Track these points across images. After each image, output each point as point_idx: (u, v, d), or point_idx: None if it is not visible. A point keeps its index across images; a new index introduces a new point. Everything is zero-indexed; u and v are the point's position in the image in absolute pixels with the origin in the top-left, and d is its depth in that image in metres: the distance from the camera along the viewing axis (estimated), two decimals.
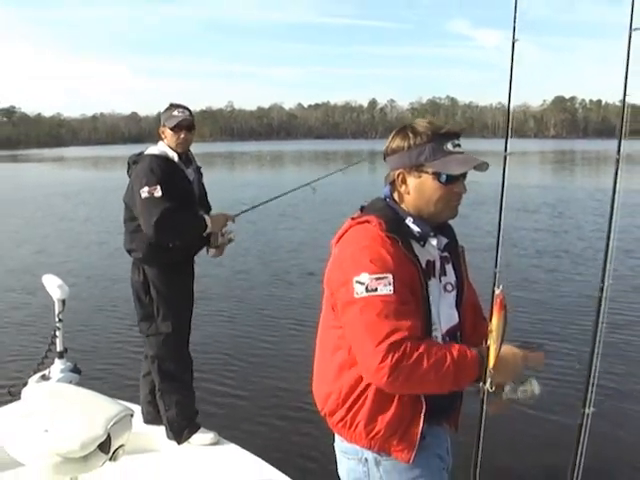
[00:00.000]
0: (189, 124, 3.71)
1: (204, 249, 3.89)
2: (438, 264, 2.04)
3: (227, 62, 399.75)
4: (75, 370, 3.29)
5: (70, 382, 3.16)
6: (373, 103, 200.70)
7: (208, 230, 3.70)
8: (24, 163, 71.42)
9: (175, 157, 3.67)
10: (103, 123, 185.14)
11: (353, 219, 2.04)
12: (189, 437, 3.73)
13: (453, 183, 1.96)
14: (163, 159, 3.63)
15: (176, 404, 3.70)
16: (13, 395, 3.07)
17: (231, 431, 4.17)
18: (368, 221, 1.96)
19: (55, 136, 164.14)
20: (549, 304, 8.62)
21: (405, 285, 1.84)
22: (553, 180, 33.18)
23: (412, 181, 1.99)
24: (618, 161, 1.94)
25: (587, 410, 1.86)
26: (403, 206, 2.03)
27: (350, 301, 1.84)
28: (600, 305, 1.93)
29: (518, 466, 4.38)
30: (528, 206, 18.49)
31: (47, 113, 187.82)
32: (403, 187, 2.00)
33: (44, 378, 3.21)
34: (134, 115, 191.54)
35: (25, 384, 3.13)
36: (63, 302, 3.34)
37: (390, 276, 1.81)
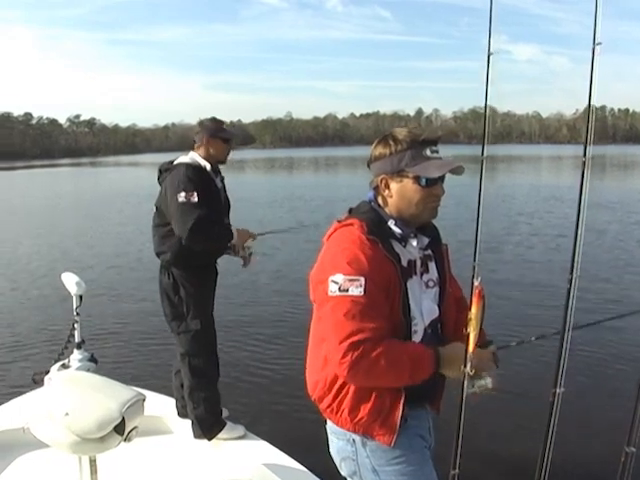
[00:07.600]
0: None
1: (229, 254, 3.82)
2: (419, 263, 2.03)
3: (286, 77, 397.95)
4: (92, 359, 3.31)
5: (88, 370, 3.21)
6: (419, 112, 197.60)
7: (233, 241, 3.64)
8: (103, 168, 73.65)
9: (208, 167, 3.61)
10: (174, 132, 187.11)
11: (339, 222, 2.04)
12: (217, 434, 3.62)
13: (432, 186, 1.96)
14: (197, 168, 3.56)
15: (204, 401, 3.58)
16: (37, 382, 3.14)
17: (255, 425, 4.03)
18: (352, 224, 1.97)
19: (130, 144, 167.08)
20: (523, 290, 8.86)
21: (379, 287, 1.85)
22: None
23: (394, 185, 1.99)
24: (584, 163, 1.85)
25: (558, 390, 1.86)
26: (386, 209, 2.03)
27: (325, 298, 1.87)
28: (569, 295, 1.88)
29: (495, 443, 4.37)
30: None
31: (123, 124, 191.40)
32: (386, 191, 2.01)
33: (64, 367, 3.25)
34: None
35: (47, 372, 3.17)
36: (80, 297, 3.35)
37: (362, 279, 1.82)
